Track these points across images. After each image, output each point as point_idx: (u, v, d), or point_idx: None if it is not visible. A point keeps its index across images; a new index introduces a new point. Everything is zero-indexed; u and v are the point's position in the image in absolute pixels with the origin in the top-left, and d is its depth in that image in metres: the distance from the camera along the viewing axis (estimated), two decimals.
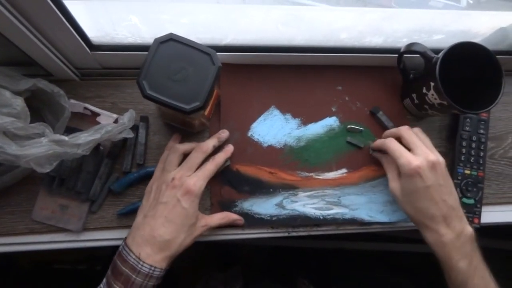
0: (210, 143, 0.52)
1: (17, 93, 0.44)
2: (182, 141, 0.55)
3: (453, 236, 0.47)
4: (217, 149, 0.53)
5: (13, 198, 0.51)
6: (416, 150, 0.49)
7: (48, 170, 0.43)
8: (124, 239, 0.47)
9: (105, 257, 1.02)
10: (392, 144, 0.51)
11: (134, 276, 0.43)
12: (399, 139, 0.52)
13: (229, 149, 0.54)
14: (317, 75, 0.59)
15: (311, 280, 0.76)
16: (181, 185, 0.47)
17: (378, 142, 0.55)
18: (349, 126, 0.58)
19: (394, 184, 0.51)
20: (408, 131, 0.52)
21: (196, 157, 0.50)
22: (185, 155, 0.51)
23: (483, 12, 0.58)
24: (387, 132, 0.56)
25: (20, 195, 0.52)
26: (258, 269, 0.92)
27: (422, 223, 0.49)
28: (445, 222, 0.47)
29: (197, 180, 0.47)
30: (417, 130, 0.52)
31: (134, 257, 0.44)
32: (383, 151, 0.54)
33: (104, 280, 0.46)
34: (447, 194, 0.48)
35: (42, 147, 0.41)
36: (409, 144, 0.50)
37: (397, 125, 0.57)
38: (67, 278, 1.03)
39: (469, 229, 0.48)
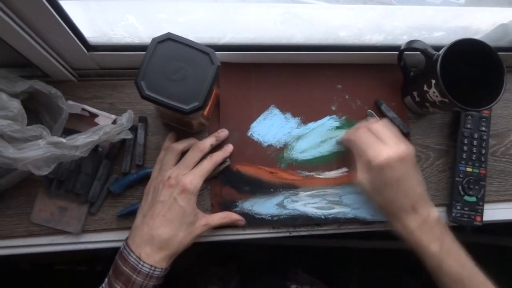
0: (207, 142, 0.51)
1: (14, 95, 0.44)
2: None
3: (420, 221, 0.47)
4: (216, 149, 0.53)
5: (11, 200, 0.51)
6: (386, 141, 0.48)
7: (46, 173, 0.42)
8: (126, 240, 0.47)
9: (105, 258, 1.02)
10: (356, 142, 0.50)
11: (134, 276, 0.43)
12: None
13: (228, 148, 0.54)
14: (316, 74, 0.59)
15: (305, 270, 0.76)
16: (177, 183, 0.47)
17: (347, 135, 0.53)
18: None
19: (363, 175, 0.50)
20: (375, 123, 0.50)
21: (192, 156, 0.50)
22: (183, 154, 0.51)
23: (483, 9, 0.58)
24: (353, 127, 0.54)
25: (18, 198, 0.51)
26: (255, 265, 0.92)
27: (391, 213, 0.49)
28: (413, 210, 0.47)
29: (193, 178, 0.47)
30: (379, 124, 0.51)
31: (134, 257, 0.44)
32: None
33: (106, 279, 0.46)
34: (417, 183, 0.48)
35: (39, 149, 0.41)
36: (373, 140, 0.49)
37: None
38: (67, 279, 1.03)
39: (435, 213, 0.48)
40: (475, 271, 0.47)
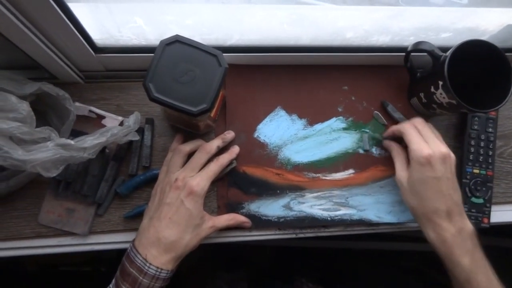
0: (214, 144, 0.51)
1: (23, 97, 0.44)
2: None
3: (454, 231, 0.47)
4: (222, 150, 0.53)
5: (19, 202, 0.51)
6: (430, 141, 0.49)
7: (54, 175, 0.42)
8: (132, 241, 0.47)
9: (110, 259, 1.02)
10: (409, 129, 0.51)
11: (141, 278, 0.43)
12: None
13: (235, 150, 0.54)
14: (323, 75, 0.59)
15: (310, 279, 0.76)
16: (184, 185, 0.47)
17: (395, 127, 0.54)
18: (364, 134, 0.58)
19: (402, 173, 0.51)
20: (423, 123, 0.52)
21: (199, 158, 0.50)
22: (189, 156, 0.51)
23: (490, 9, 0.57)
24: (403, 122, 0.55)
25: (26, 199, 0.51)
26: (263, 270, 0.92)
27: (424, 216, 0.49)
28: (448, 217, 0.47)
29: (200, 180, 0.47)
30: (430, 125, 0.52)
31: (141, 258, 0.44)
32: (396, 138, 0.54)
33: (113, 280, 0.46)
34: (454, 189, 0.48)
35: (48, 151, 0.41)
36: (423, 135, 0.50)
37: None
38: (73, 280, 1.03)
39: (470, 225, 0.48)
40: None
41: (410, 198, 0.50)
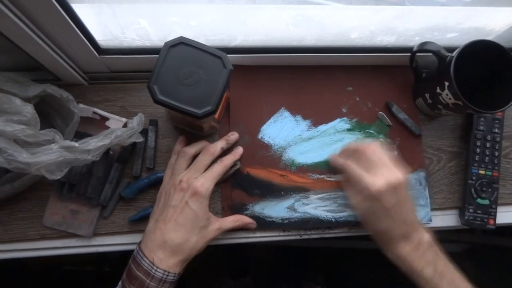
0: (218, 145, 0.51)
1: (27, 100, 0.44)
2: (190, 143, 0.54)
3: (411, 248, 0.47)
4: (226, 152, 0.53)
5: (23, 204, 0.51)
6: (376, 171, 0.47)
7: (59, 177, 0.42)
8: (139, 244, 0.47)
9: (113, 259, 1.02)
10: (350, 168, 0.49)
11: (148, 281, 0.43)
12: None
13: (238, 151, 0.54)
14: (327, 76, 0.58)
15: (317, 281, 0.76)
16: (188, 187, 0.46)
17: (338, 162, 0.53)
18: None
19: (356, 201, 0.49)
20: (367, 149, 0.49)
21: (203, 159, 0.50)
22: (194, 158, 0.51)
23: (496, 9, 0.57)
24: (345, 148, 0.53)
25: (30, 201, 0.51)
26: (267, 274, 0.92)
27: (381, 242, 0.49)
28: (404, 239, 0.47)
29: (204, 181, 0.47)
30: (375, 146, 0.49)
31: (148, 262, 0.44)
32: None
33: (120, 283, 0.46)
34: (407, 211, 0.47)
35: (52, 154, 0.41)
36: (369, 164, 0.48)
37: None
38: (76, 280, 1.03)
39: (427, 236, 0.48)
40: None
41: (366, 226, 0.50)
